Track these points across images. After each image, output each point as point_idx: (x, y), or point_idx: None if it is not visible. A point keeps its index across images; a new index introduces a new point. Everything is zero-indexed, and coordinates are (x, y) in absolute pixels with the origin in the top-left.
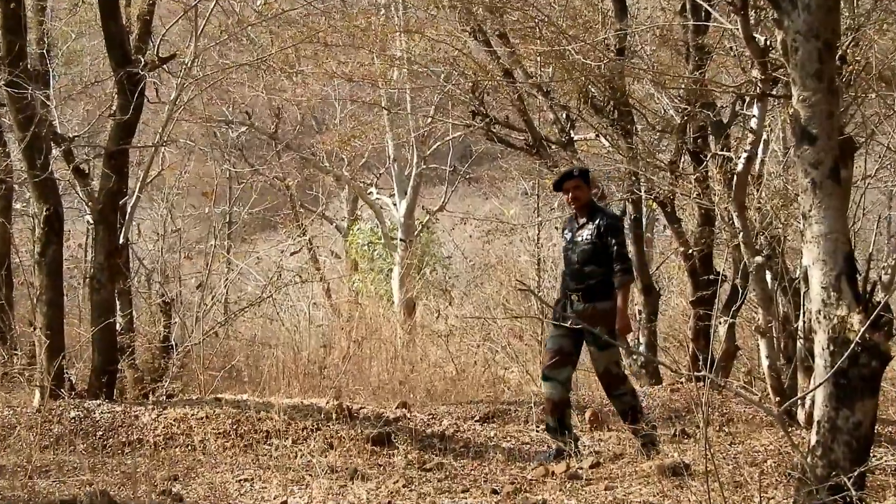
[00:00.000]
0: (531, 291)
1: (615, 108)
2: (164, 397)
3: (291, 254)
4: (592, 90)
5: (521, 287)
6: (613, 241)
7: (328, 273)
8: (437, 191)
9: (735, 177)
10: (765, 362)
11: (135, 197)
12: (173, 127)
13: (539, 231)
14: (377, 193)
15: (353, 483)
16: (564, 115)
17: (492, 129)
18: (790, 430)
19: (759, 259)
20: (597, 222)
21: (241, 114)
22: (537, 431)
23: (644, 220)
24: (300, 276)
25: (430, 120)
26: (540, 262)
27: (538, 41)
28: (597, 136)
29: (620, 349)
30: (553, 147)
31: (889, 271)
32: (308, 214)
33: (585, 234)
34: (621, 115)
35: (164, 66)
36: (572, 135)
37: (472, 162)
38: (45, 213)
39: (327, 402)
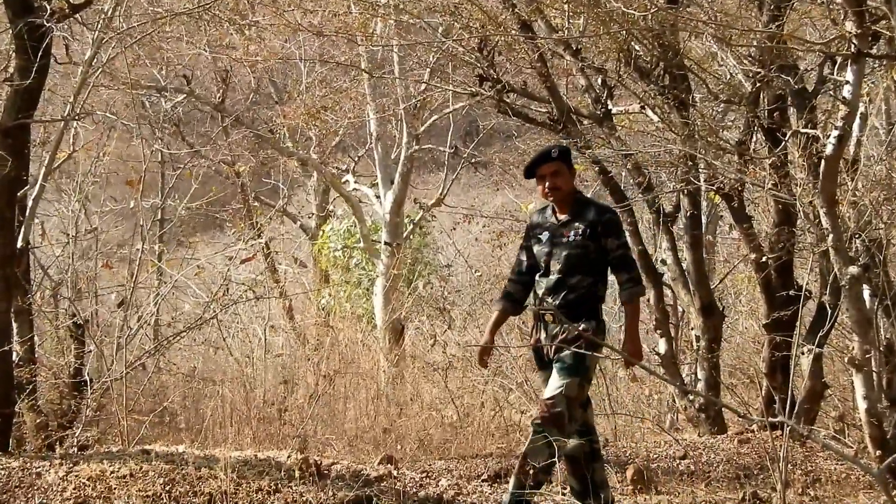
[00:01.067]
0: (554, 311)
1: (666, 72)
2: (76, 449)
3: (242, 261)
4: (636, 48)
5: (542, 307)
6: (615, 243)
7: (290, 287)
8: (433, 179)
9: (823, 162)
10: (862, 404)
11: (38, 187)
12: (89, 95)
13: None
14: (355, 183)
15: None
16: (600, 81)
17: (504, 99)
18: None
19: (854, 270)
20: (588, 219)
21: (177, 78)
22: (563, 495)
23: (704, 219)
24: (253, 291)
25: (423, 87)
26: None
27: None
28: (642, 107)
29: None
30: (584, 122)
31: None
32: (264, 210)
33: (572, 234)
34: (674, 81)
35: (77, 15)
36: (610, 106)
37: (479, 142)
38: None
39: (289, 456)
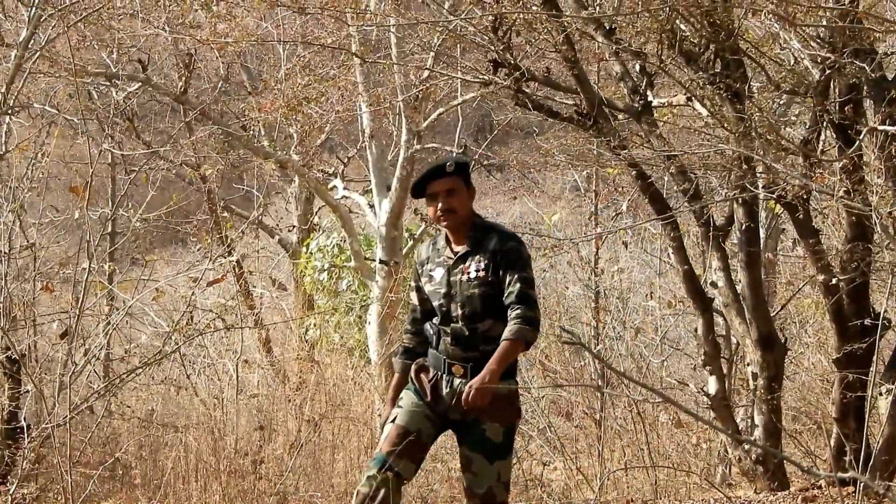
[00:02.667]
0: (583, 346)
1: (717, 57)
2: None
3: (210, 283)
4: (682, 28)
5: (567, 339)
6: (516, 275)
7: (267, 314)
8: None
9: None
10: None
11: None
12: (24, 84)
13: (598, 249)
14: (344, 189)
15: None
16: (638, 68)
17: (523, 90)
18: None
19: None
20: (489, 248)
21: (130, 64)
22: None
23: (762, 233)
24: (223, 319)
25: (426, 74)
26: (599, 296)
27: None
28: (688, 99)
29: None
30: (619, 117)
31: None
32: (236, 222)
33: (473, 269)
34: (727, 68)
35: None
36: (650, 98)
37: (493, 140)
38: None
39: None
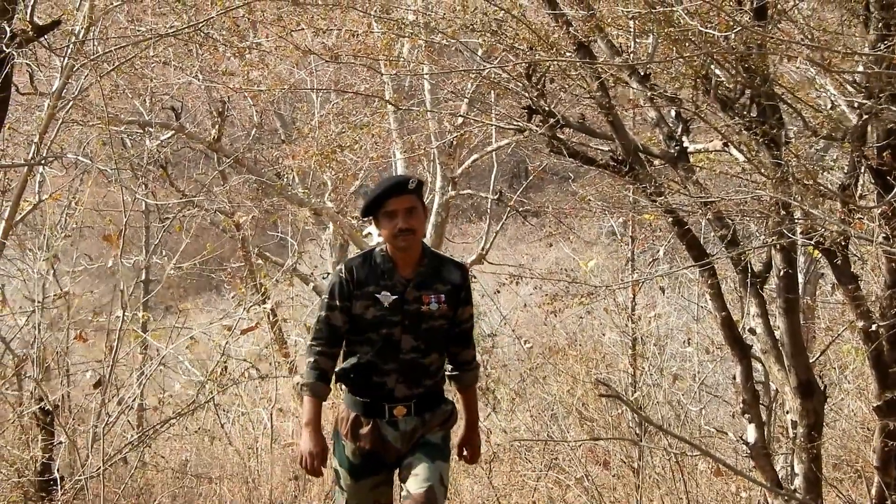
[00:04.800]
0: (619, 398)
1: (753, 102)
2: None
3: (244, 331)
4: (717, 73)
5: (604, 392)
6: (469, 311)
7: (302, 362)
8: (473, 231)
9: None
10: None
11: None
12: (58, 133)
13: (634, 295)
14: (378, 235)
15: None
16: (673, 114)
17: (558, 136)
18: None
19: None
20: (451, 281)
21: (163, 111)
22: None
23: (801, 279)
24: (257, 369)
25: (460, 121)
26: (636, 343)
27: None
28: (725, 145)
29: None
30: (655, 163)
31: None
32: (270, 269)
33: (433, 301)
34: (763, 113)
35: (43, 38)
36: (686, 144)
37: (528, 186)
38: None
39: None
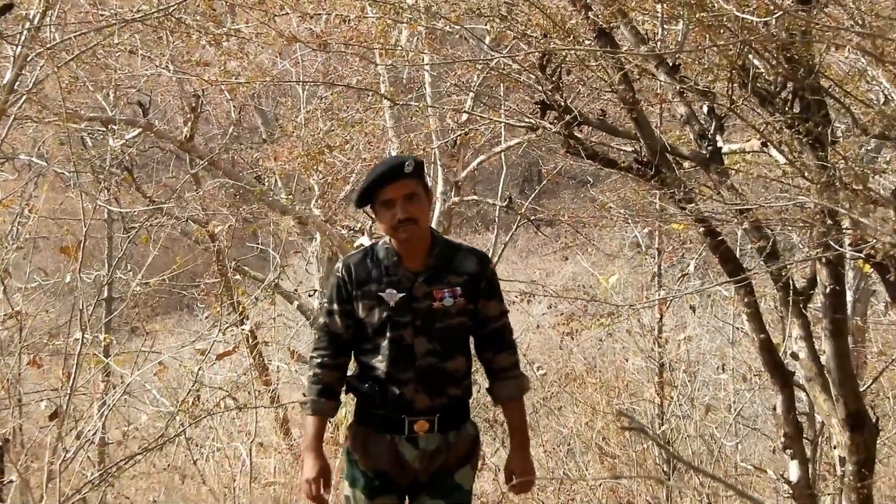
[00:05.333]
0: (644, 431)
1: (796, 97)
2: None
3: (220, 356)
4: (756, 64)
5: (627, 424)
6: (499, 307)
7: (285, 391)
8: (479, 242)
9: None
10: None
11: None
12: (9, 131)
13: (661, 315)
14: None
15: None
16: (705, 109)
17: (575, 135)
18: None
19: None
20: (466, 270)
21: (129, 107)
22: None
23: (850, 297)
24: (234, 399)
25: (464, 117)
26: (664, 369)
27: None
28: (763, 145)
29: None
30: (685, 165)
31: None
32: (249, 285)
33: (447, 294)
34: (807, 109)
35: None
36: (719, 143)
37: (542, 192)
38: None
39: None
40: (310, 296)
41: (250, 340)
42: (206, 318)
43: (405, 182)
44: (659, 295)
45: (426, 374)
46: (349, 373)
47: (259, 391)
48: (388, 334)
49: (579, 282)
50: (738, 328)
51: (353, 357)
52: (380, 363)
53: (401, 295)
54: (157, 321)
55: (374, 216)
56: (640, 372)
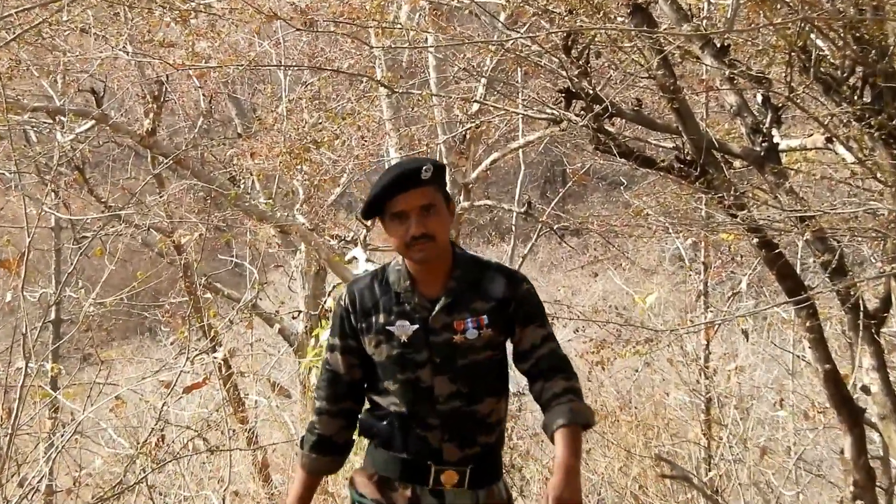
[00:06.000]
0: (687, 478)
1: (866, 83)
2: None
3: (187, 389)
4: (819, 44)
5: (667, 471)
6: (541, 332)
7: (264, 430)
8: (492, 254)
9: None
10: None
11: None
12: None
13: (708, 341)
14: (367, 262)
15: None
16: (760, 98)
17: (605, 129)
18: None
19: None
20: (493, 294)
21: (80, 95)
22: None
23: None
24: (205, 439)
25: (475, 108)
26: (711, 405)
27: None
28: (828, 140)
29: None
30: (735, 164)
31: None
32: (222, 306)
33: (471, 325)
34: (879, 98)
35: None
36: (776, 139)
37: (567, 196)
38: None
39: None
40: (293, 318)
41: (223, 371)
42: (172, 344)
43: (422, 191)
44: (705, 318)
45: (452, 421)
46: (364, 410)
47: (234, 430)
48: (398, 376)
49: (611, 302)
50: (798, 357)
51: (365, 400)
52: (395, 406)
53: (414, 328)
54: (114, 347)
55: (385, 230)
56: (684, 408)
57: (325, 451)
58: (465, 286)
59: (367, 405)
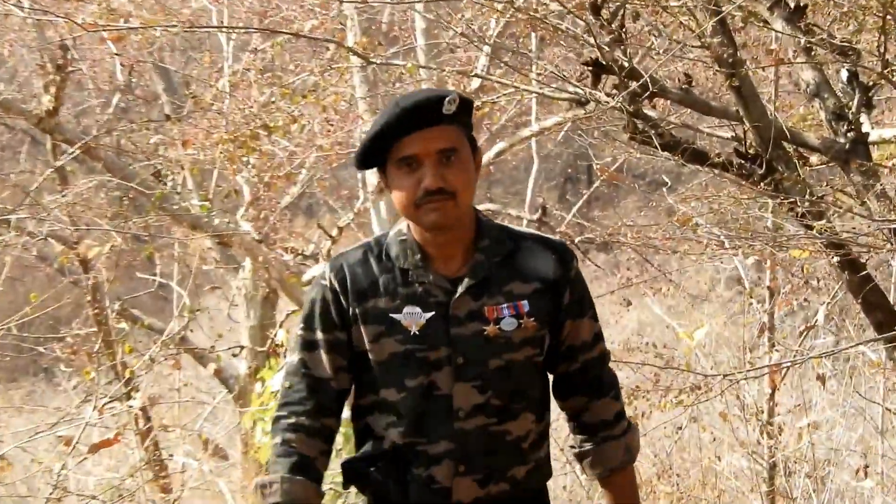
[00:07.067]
0: None
1: None
2: None
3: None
4: None
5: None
6: (592, 326)
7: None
8: None
9: None
10: None
11: None
12: None
13: (774, 389)
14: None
15: None
16: (845, 76)
17: (645, 113)
18: None
19: None
20: (536, 272)
21: None
22: None
23: None
24: None
25: (476, 84)
26: (777, 473)
27: None
28: None
29: None
30: (811, 160)
31: None
32: (141, 339)
33: (506, 313)
34: None
35: None
36: (865, 127)
37: (593, 199)
38: None
39: None
40: (233, 356)
41: (141, 424)
42: (75, 388)
43: (442, 130)
44: (770, 359)
45: (472, 445)
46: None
47: (153, 502)
48: (406, 381)
49: (648, 337)
50: (890, 410)
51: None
52: (394, 427)
53: (429, 316)
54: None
55: (386, 184)
56: (740, 477)
57: (306, 473)
58: (495, 262)
59: (351, 434)
